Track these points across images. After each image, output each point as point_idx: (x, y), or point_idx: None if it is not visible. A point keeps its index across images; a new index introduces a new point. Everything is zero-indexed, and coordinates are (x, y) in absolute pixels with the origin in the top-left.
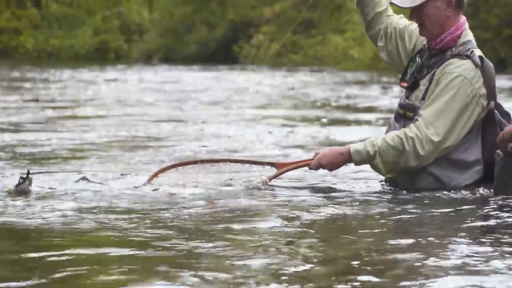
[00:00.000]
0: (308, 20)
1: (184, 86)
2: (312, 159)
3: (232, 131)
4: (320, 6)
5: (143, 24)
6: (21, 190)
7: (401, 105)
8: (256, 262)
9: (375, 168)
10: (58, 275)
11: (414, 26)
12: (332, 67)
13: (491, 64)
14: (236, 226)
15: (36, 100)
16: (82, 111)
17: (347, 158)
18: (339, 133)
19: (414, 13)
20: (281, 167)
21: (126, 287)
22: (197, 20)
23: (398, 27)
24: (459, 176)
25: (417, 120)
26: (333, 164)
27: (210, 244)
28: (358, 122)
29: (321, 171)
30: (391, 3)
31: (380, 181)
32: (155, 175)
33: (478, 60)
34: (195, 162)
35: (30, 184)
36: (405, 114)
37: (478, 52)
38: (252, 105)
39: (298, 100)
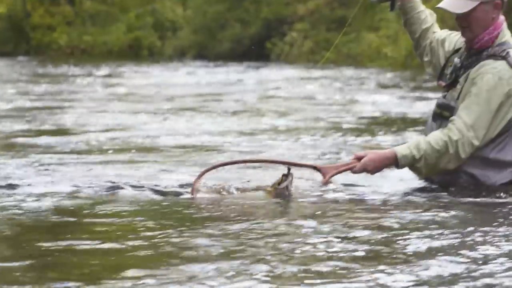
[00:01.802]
0: (342, 17)
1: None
2: (354, 162)
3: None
4: (353, 4)
5: (176, 21)
6: (284, 189)
7: (438, 105)
8: None
9: (415, 170)
10: None
11: (455, 34)
12: (365, 65)
13: None
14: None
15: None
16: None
17: (392, 162)
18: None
19: (462, 17)
20: (325, 171)
21: None
22: (231, 18)
23: (440, 38)
24: (494, 175)
25: (455, 121)
26: (378, 168)
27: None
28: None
29: None
30: (439, 8)
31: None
32: (198, 178)
33: None
34: (236, 162)
35: (291, 183)
36: (441, 114)
37: None
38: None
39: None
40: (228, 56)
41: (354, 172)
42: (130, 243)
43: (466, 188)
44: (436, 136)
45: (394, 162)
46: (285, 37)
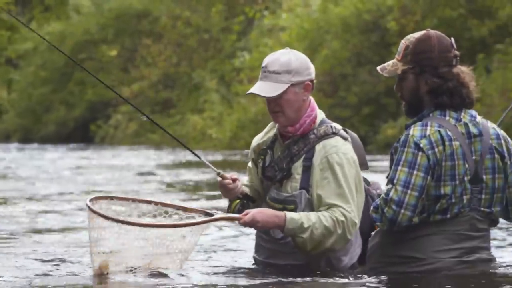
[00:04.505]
0: (167, 99)
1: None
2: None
3: None
4: (178, 86)
5: (1, 104)
6: None
7: (275, 199)
8: None
9: (300, 242)
10: None
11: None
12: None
13: (355, 135)
14: None
15: None
16: None
17: (280, 221)
18: None
19: (273, 101)
20: (216, 215)
21: None
22: (56, 100)
23: (253, 173)
24: (345, 258)
25: (332, 208)
26: (265, 223)
27: None
28: None
29: None
30: (251, 93)
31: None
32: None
33: (344, 134)
34: (127, 199)
35: None
36: (285, 208)
37: (338, 126)
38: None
39: None
40: (53, 138)
41: (244, 222)
42: None
43: (323, 273)
44: (325, 214)
45: (282, 222)
46: (110, 120)
